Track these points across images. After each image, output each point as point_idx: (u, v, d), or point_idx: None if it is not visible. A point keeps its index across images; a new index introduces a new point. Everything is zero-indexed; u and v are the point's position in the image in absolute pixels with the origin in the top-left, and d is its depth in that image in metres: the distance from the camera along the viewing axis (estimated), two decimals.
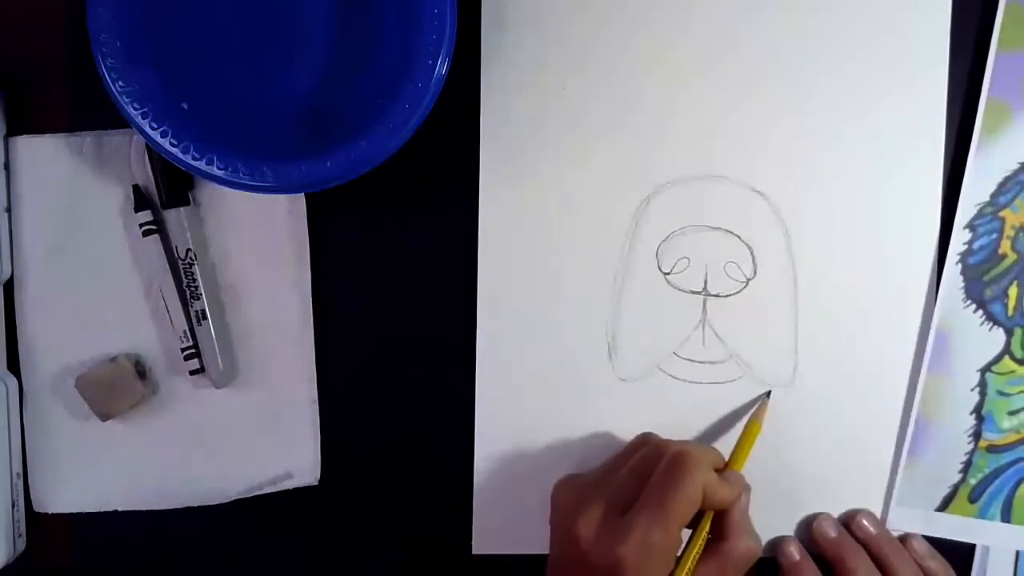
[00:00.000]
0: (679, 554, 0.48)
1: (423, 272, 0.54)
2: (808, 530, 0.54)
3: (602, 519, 0.47)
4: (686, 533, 0.49)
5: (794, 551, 0.53)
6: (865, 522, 0.53)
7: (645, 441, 0.52)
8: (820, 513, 0.54)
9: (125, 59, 0.48)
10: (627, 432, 0.54)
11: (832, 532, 0.53)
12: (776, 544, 0.54)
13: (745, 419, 0.53)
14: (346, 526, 0.55)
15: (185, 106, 0.50)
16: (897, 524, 0.54)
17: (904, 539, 0.54)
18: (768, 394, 0.53)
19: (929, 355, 0.53)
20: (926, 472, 0.53)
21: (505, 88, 0.53)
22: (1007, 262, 0.53)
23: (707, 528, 0.49)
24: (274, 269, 0.54)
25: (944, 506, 0.54)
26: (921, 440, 0.53)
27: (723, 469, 0.51)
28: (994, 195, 0.53)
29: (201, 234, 0.54)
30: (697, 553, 0.49)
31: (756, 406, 0.53)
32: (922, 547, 0.53)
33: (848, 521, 0.54)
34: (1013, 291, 0.53)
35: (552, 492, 0.51)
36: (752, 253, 0.53)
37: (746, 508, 0.50)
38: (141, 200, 0.53)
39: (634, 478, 0.48)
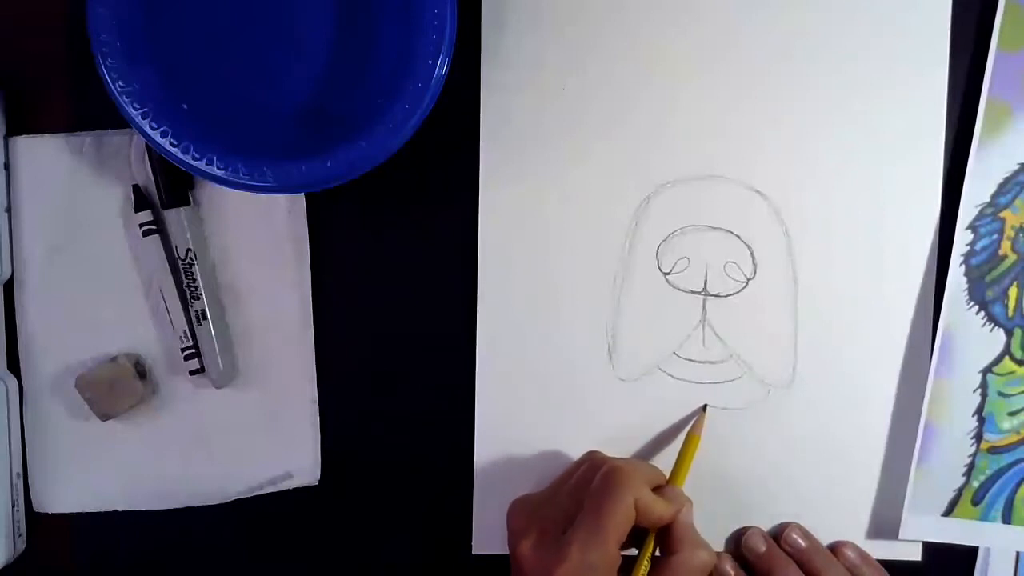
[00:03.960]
0: (623, 573, 0.47)
1: (423, 272, 0.54)
2: (737, 544, 0.54)
3: (540, 540, 0.47)
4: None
5: (759, 542, 0.53)
6: (795, 535, 0.53)
7: (587, 459, 0.51)
8: (751, 527, 0.53)
9: (125, 59, 0.49)
10: (627, 432, 0.54)
11: (761, 546, 0.52)
12: (739, 539, 0.54)
13: (683, 433, 0.53)
14: (346, 526, 0.55)
15: (185, 106, 0.50)
16: (909, 532, 0.53)
17: (836, 548, 0.53)
18: (704, 407, 0.53)
19: (936, 359, 0.53)
20: (933, 477, 0.53)
21: (505, 88, 0.53)
22: (1007, 263, 0.53)
23: (651, 545, 0.49)
24: (274, 269, 0.54)
25: (950, 510, 0.53)
26: (927, 445, 0.53)
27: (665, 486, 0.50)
28: (994, 196, 0.53)
29: (201, 234, 0.54)
30: (644, 572, 0.48)
31: (693, 420, 0.53)
32: (855, 555, 0.53)
33: (778, 535, 0.53)
34: (1013, 292, 0.53)
35: (507, 513, 0.50)
36: (752, 253, 0.53)
37: (689, 520, 0.49)
38: (141, 200, 0.53)
39: (573, 498, 0.48)
